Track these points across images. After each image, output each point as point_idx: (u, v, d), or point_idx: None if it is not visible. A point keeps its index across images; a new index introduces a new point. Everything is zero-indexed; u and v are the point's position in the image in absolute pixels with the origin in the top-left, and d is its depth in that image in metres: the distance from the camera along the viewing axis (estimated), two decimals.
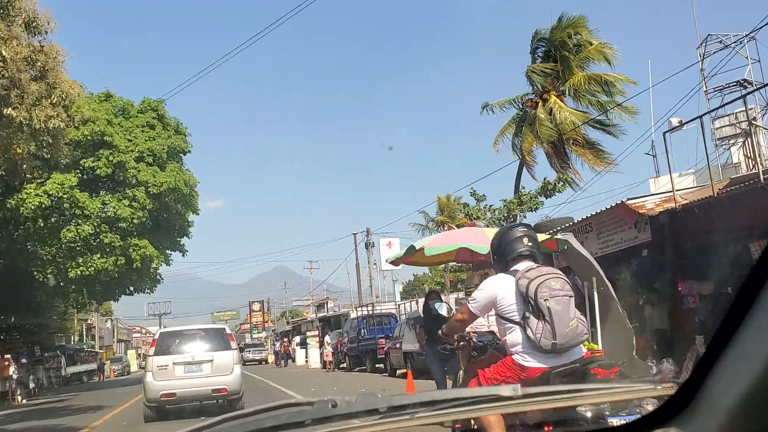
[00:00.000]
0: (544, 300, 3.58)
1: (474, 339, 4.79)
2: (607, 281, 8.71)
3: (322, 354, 32.07)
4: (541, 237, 7.52)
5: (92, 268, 26.10)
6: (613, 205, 12.09)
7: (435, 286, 39.97)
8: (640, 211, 11.35)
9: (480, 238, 8.35)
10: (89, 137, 26.30)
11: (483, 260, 8.18)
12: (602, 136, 23.04)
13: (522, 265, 3.84)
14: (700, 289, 10.70)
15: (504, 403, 1.44)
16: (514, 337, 3.72)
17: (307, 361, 35.27)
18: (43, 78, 14.08)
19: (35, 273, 26.21)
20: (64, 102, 14.24)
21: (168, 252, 30.70)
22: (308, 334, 42.66)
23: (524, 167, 23.47)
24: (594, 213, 12.92)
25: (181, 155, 30.93)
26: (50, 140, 14.54)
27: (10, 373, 24.41)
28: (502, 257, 3.97)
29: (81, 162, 26.44)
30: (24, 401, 24.55)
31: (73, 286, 27.39)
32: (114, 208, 26.61)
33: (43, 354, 36.46)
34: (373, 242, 35.52)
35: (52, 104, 14.08)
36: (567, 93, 22.81)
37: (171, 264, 31.45)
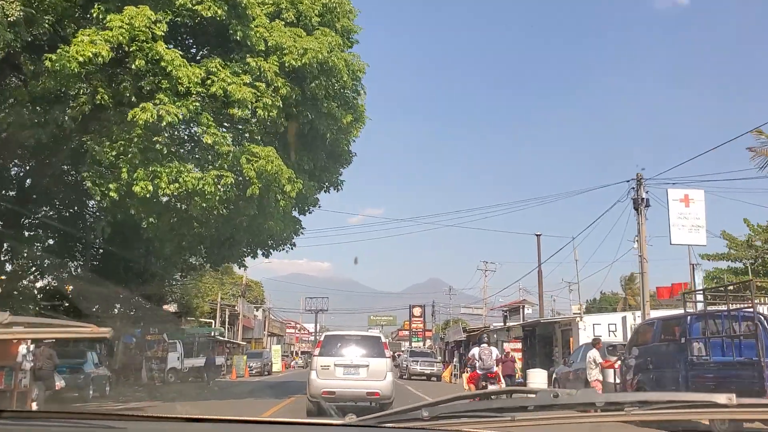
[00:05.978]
0: (482, 356, 17.85)
1: (475, 365, 18.20)
2: None
3: (554, 379, 18.68)
4: None
5: (176, 185, 14.61)
6: None
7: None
8: None
9: None
10: None
11: None
12: None
13: (482, 345, 18.46)
14: None
15: (718, 410, 1.45)
16: (477, 365, 18.04)
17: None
18: None
19: (89, 185, 15.15)
20: None
21: (312, 183, 18.52)
22: (507, 346, 29.21)
23: None
24: None
25: (342, 32, 18.70)
26: None
27: (18, 359, 13.28)
28: (478, 342, 20.58)
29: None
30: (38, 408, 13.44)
31: (151, 218, 15.83)
32: (221, 84, 14.94)
33: (143, 337, 26.20)
34: (646, 198, 20.94)
35: None
36: None
37: (318, 205, 19.43)
